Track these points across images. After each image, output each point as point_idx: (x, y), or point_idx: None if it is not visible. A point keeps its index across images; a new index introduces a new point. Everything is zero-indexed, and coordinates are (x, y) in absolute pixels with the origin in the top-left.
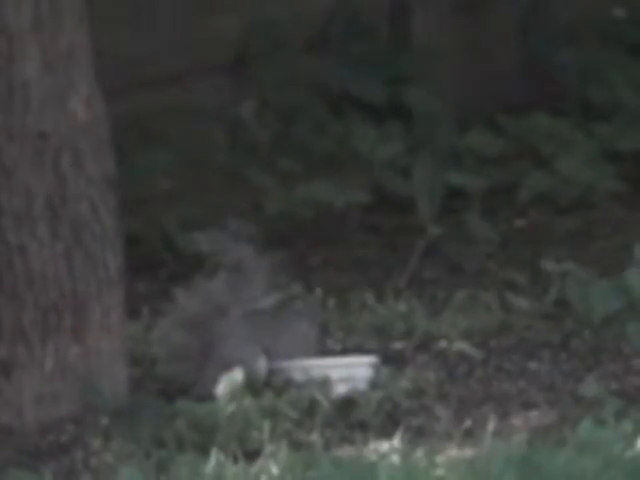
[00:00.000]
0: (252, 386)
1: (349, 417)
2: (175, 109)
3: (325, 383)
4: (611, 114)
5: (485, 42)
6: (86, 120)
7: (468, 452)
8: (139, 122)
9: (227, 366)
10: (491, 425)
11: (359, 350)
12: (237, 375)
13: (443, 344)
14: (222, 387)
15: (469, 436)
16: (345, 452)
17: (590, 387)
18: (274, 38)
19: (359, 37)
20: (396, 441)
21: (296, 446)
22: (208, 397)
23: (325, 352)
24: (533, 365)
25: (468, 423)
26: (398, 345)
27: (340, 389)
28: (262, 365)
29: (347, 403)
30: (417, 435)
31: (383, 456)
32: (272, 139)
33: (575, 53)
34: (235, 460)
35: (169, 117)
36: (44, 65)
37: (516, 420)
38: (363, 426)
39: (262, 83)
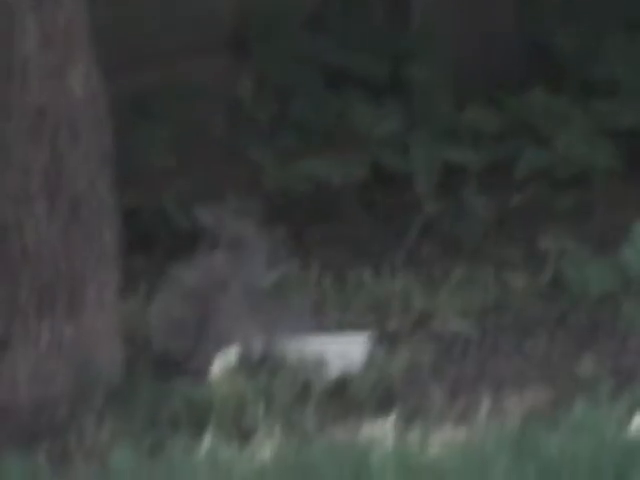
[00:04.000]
0: (247, 364)
1: (344, 397)
2: (174, 87)
3: (320, 363)
4: (609, 91)
5: (484, 20)
6: (84, 96)
7: (462, 433)
8: (138, 99)
9: (223, 342)
10: (485, 405)
11: (355, 327)
12: (232, 355)
13: (439, 322)
14: (217, 367)
15: (463, 416)
16: (339, 432)
17: (586, 365)
18: (273, 16)
19: (357, 14)
20: (390, 421)
21: (290, 426)
22: (203, 372)
23: (321, 329)
24: (529, 343)
25: (463, 403)
26: (394, 323)
27: (336, 366)
28: (258, 342)
29: (342, 383)
30: (412, 415)
31: (376, 439)
32: (271, 116)
33: (573, 30)
34: (229, 440)
35: (168, 94)
36: (43, 41)
37: (511, 399)
38: (357, 406)
39: (261, 61)
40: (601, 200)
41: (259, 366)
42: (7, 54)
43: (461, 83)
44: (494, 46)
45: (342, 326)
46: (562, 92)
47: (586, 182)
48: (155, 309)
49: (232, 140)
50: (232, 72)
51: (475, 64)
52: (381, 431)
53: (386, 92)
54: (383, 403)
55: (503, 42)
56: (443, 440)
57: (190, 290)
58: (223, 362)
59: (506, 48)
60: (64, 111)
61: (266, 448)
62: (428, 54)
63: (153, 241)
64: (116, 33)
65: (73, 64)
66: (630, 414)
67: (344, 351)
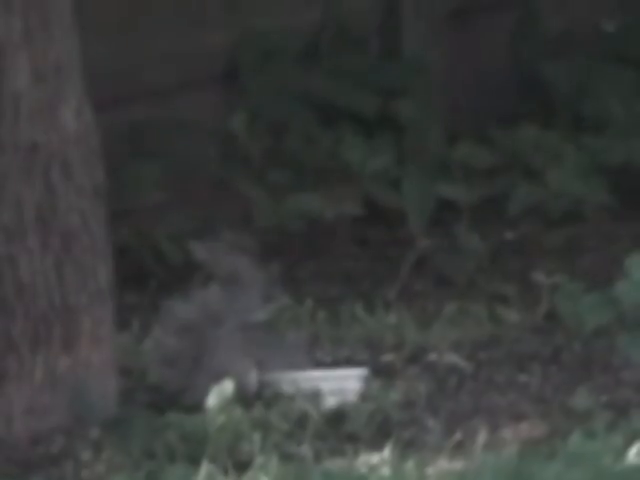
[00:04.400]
0: (242, 398)
1: (340, 429)
2: (166, 122)
3: (315, 395)
4: (601, 127)
5: (475, 54)
6: (76, 131)
7: (458, 464)
8: (129, 134)
9: (218, 376)
10: (481, 437)
11: (349, 362)
12: (227, 387)
13: (433, 356)
14: (212, 399)
15: (459, 448)
16: (336, 464)
17: (580, 399)
18: (263, 51)
19: (349, 49)
20: (386, 453)
21: (286, 458)
22: (198, 406)
23: (315, 364)
24: (523, 377)
25: (458, 435)
26: (388, 357)
27: (330, 401)
28: (253, 377)
29: (338, 415)
30: (407, 447)
31: (373, 468)
32: (262, 152)
33: (565, 66)
34: (225, 472)
35: (159, 129)
36: (34, 76)
37: (506, 432)
38: (354, 438)
39: (252, 96)
40: (594, 235)
41: (255, 399)
42: None
43: (453, 118)
44: (486, 81)
45: (336, 360)
46: (554, 128)
47: (578, 217)
48: (150, 342)
49: (223, 175)
50: (225, 107)
51: (467, 99)
52: (378, 462)
53: (377, 127)
54: (379, 435)
55: (495, 77)
56: (440, 471)
57: (185, 324)
58: (218, 394)
59: (498, 83)
60: (56, 146)
61: (262, 479)
62: (419, 89)
63: (147, 276)
64: (108, 67)
65: (65, 99)
66: (626, 446)
67: (339, 387)
